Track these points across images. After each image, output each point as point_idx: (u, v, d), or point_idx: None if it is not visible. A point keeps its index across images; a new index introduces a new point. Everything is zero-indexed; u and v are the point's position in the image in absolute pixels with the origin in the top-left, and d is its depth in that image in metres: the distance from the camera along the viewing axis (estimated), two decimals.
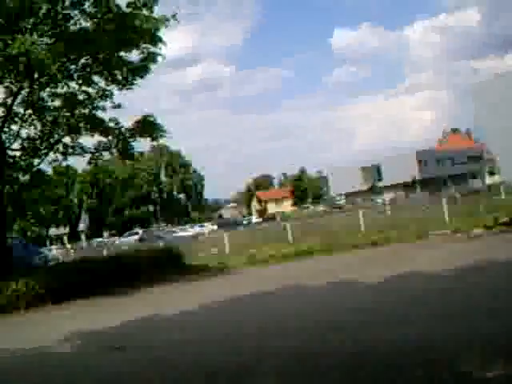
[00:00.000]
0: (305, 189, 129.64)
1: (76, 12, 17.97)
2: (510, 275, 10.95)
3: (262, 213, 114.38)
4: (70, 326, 11.73)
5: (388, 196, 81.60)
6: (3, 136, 18.67)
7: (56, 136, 19.70)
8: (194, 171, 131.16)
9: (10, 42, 16.53)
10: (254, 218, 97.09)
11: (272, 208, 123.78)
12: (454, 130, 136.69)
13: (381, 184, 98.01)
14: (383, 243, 20.64)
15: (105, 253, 34.18)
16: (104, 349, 9.16)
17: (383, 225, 26.73)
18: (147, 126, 19.97)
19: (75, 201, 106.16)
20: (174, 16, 18.38)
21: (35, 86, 18.78)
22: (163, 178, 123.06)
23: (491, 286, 10.02)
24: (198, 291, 15.48)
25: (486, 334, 6.76)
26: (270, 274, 17.54)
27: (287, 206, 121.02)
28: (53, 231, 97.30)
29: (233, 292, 13.62)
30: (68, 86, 19.34)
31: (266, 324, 9.46)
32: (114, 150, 20.46)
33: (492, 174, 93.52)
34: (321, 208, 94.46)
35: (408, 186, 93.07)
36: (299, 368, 6.52)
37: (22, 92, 18.90)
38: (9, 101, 18.70)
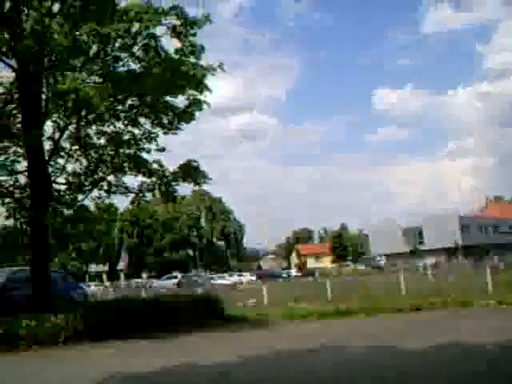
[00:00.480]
0: (345, 246, 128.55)
1: (125, 54, 18.46)
2: None
3: (300, 267, 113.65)
4: (106, 366, 11.74)
5: (430, 260, 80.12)
6: (50, 169, 19.02)
7: (100, 173, 19.97)
8: (235, 219, 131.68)
9: (59, 78, 17.00)
10: (294, 272, 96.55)
11: (311, 263, 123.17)
12: (498, 198, 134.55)
13: (422, 248, 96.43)
14: (426, 308, 20.21)
15: (143, 294, 34.33)
16: None
17: (426, 289, 26.26)
18: (191, 171, 20.11)
19: (116, 239, 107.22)
20: (220, 65, 18.69)
21: (82, 123, 19.20)
22: (203, 223, 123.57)
23: None
24: (237, 342, 15.30)
25: None
26: (308, 331, 17.25)
27: (326, 262, 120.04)
28: (92, 268, 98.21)
29: (272, 346, 13.45)
30: (114, 126, 19.75)
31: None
32: (157, 192, 20.58)
33: None
34: (360, 267, 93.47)
35: (450, 252, 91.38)
36: None
37: (70, 128, 19.33)
38: (56, 135, 19.13)
